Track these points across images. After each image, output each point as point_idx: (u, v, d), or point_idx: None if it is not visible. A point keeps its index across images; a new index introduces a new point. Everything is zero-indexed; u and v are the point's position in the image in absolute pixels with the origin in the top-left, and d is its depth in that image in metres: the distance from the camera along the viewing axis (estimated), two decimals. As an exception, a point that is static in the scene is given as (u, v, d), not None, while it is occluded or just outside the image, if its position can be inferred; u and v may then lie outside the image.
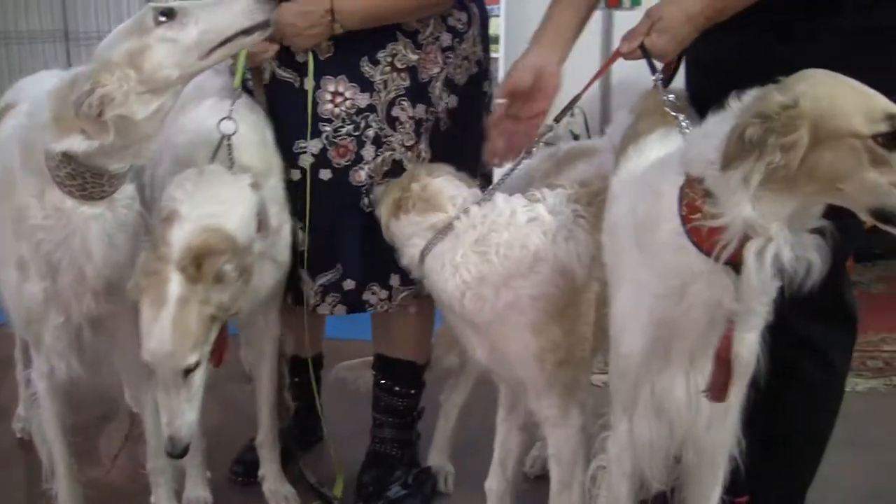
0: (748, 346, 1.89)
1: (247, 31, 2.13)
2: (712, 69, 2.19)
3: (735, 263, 1.68)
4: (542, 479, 2.80)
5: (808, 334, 2.28)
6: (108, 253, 2.20)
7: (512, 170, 2.28)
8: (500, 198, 2.22)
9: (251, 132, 2.48)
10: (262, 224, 2.37)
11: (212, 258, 2.14)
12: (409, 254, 2.29)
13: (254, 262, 2.29)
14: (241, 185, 2.33)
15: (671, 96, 2.02)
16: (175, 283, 2.10)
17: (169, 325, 2.09)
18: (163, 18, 2.08)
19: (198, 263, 2.12)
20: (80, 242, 2.16)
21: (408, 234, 2.28)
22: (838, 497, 2.84)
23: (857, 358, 3.75)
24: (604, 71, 2.22)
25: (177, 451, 2.20)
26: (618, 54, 2.09)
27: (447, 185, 2.29)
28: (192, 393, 2.18)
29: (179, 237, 2.14)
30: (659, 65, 2.07)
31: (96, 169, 2.11)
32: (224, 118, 2.37)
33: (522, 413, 2.42)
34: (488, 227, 2.17)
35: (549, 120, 2.22)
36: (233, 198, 2.29)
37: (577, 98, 2.20)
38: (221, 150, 2.38)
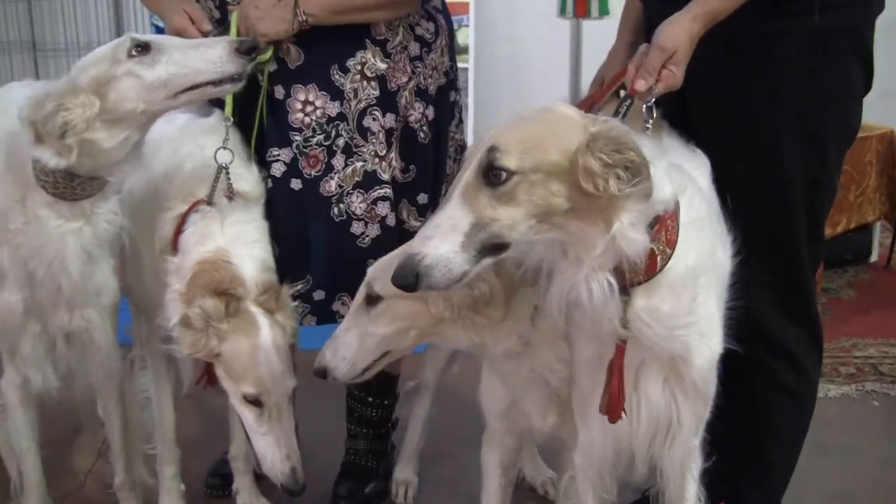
0: (698, 370, 1.88)
1: (216, 83, 2.12)
2: None
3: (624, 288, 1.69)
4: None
5: (785, 342, 2.32)
6: (86, 268, 2.19)
7: None
8: None
9: (242, 158, 2.43)
10: None
11: (280, 291, 2.22)
12: None
13: None
14: (257, 217, 2.36)
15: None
16: (260, 314, 2.15)
17: (272, 347, 2.14)
18: (136, 52, 2.07)
19: (276, 296, 2.20)
20: (57, 257, 2.15)
21: None
22: (811, 501, 2.86)
23: (829, 364, 3.78)
24: (606, 92, 2.16)
25: (300, 484, 2.21)
26: (633, 91, 1.96)
27: None
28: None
29: (249, 277, 2.17)
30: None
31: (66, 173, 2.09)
32: (220, 147, 2.32)
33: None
34: None
35: None
36: (259, 230, 2.32)
37: None
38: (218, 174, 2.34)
